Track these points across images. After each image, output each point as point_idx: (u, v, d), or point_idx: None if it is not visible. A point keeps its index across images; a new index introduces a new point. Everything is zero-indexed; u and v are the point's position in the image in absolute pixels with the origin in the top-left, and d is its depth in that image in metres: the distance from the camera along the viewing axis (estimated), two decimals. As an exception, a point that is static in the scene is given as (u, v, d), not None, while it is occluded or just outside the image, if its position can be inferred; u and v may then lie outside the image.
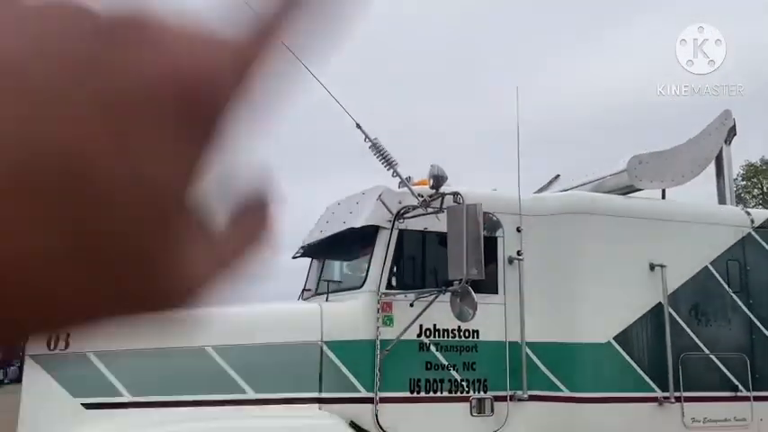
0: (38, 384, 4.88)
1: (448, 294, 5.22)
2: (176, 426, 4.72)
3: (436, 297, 5.18)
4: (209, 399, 5.05)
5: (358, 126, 5.35)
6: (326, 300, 5.77)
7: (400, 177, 5.45)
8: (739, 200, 25.59)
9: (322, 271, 6.56)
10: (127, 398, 4.92)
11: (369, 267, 5.55)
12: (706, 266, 6.23)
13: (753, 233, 6.49)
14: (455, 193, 5.13)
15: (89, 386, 4.91)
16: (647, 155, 6.32)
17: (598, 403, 5.64)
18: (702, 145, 6.61)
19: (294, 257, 7.33)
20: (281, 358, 5.28)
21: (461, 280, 4.95)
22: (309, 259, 7.39)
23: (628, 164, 6.26)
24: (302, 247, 6.84)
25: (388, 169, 5.44)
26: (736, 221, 6.52)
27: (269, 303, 5.91)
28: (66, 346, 4.87)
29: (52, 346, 4.87)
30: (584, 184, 6.72)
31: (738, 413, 6.02)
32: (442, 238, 5.53)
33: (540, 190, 7.87)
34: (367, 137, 5.37)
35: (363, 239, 5.73)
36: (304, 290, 7.13)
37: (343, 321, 5.39)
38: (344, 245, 6.10)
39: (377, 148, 5.37)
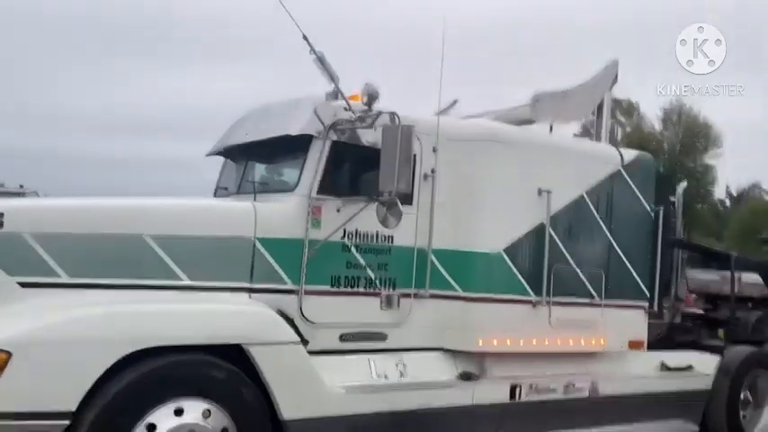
0: None
1: (373, 203, 5.86)
2: (111, 306, 5.00)
3: (366, 205, 5.76)
4: (144, 283, 5.36)
5: (305, 38, 5.65)
6: (255, 200, 6.15)
7: (342, 95, 5.85)
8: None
9: (244, 172, 6.88)
10: (64, 279, 5.12)
11: (301, 173, 5.99)
12: (582, 195, 7.29)
13: (621, 170, 7.64)
14: (392, 113, 5.64)
15: (26, 266, 5.05)
16: (546, 93, 7.16)
17: (485, 303, 6.61)
18: (592, 89, 7.57)
19: (208, 155, 7.56)
20: (216, 251, 5.67)
21: (390, 192, 5.57)
22: (223, 158, 7.66)
23: (531, 100, 7.07)
24: (224, 148, 7.08)
25: (330, 83, 5.83)
26: (610, 159, 7.63)
27: (203, 199, 6.23)
28: (1, 226, 4.97)
29: None
30: (488, 113, 7.47)
31: (591, 317, 7.30)
32: (369, 153, 6.10)
33: (440, 113, 8.54)
34: (312, 50, 5.70)
35: (293, 146, 6.14)
36: (219, 188, 7.44)
37: (275, 221, 5.85)
38: (273, 150, 6.46)
39: (321, 62, 5.72)
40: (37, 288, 5.06)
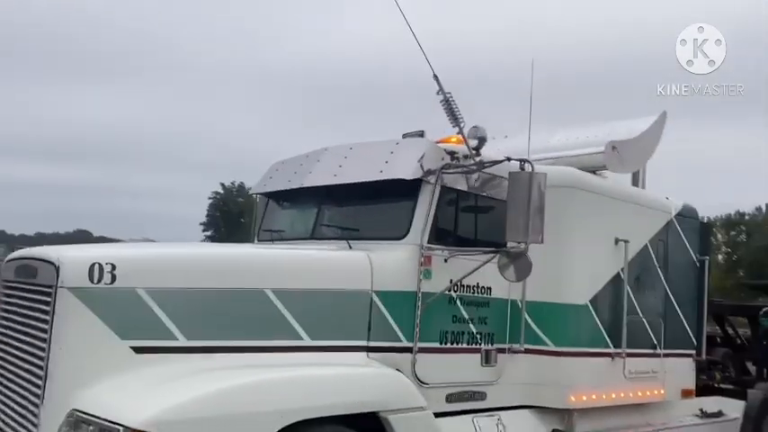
0: (78, 323, 4.16)
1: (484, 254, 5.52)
2: (250, 376, 4.36)
3: (492, 258, 5.39)
4: (267, 345, 4.74)
5: (435, 77, 5.28)
6: (350, 247, 5.63)
7: (464, 139, 5.50)
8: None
9: (318, 216, 6.31)
10: (182, 342, 4.42)
11: (411, 220, 5.54)
12: (646, 244, 7.32)
13: (673, 219, 7.76)
14: (523, 160, 5.35)
15: (140, 328, 4.31)
16: (618, 142, 7.16)
17: (574, 357, 6.40)
18: (652, 137, 7.66)
19: (259, 194, 6.95)
20: (335, 306, 5.12)
21: (519, 243, 5.25)
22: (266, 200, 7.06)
23: (605, 148, 7.03)
24: (285, 189, 6.46)
25: (453, 126, 5.46)
26: (664, 208, 7.73)
27: (315, 248, 5.62)
28: (113, 279, 4.23)
29: (96, 279, 4.19)
30: (559, 157, 7.32)
31: (655, 367, 7.28)
32: (481, 201, 5.82)
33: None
34: (441, 90, 5.33)
35: (396, 191, 5.68)
36: (265, 231, 6.79)
37: (389, 271, 5.36)
38: (366, 193, 5.95)
39: (448, 104, 5.36)
40: (151, 353, 4.31)
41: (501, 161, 5.54)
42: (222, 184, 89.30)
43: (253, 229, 7.58)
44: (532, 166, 5.28)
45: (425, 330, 5.46)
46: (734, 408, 8.73)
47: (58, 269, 4.18)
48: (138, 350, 4.27)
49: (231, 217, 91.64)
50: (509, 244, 5.33)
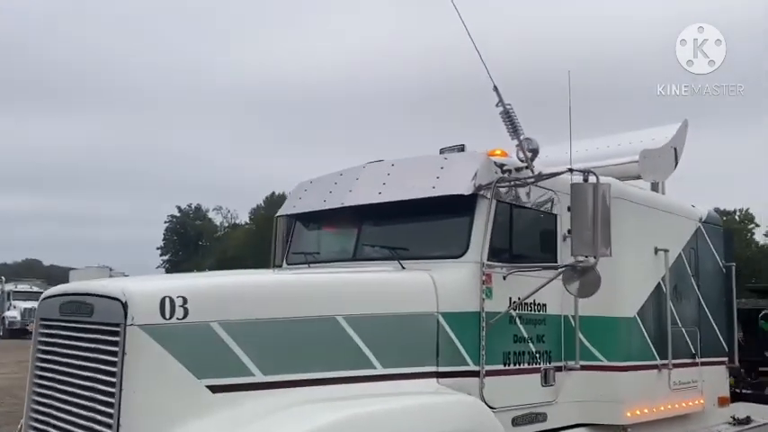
0: (150, 363, 3.79)
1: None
2: (336, 412, 4.06)
3: (559, 274, 5.19)
4: (342, 375, 4.45)
5: (495, 89, 5.10)
6: (402, 267, 5.38)
7: (523, 150, 5.32)
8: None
9: (359, 236, 6.04)
10: (259, 377, 4.09)
11: (470, 237, 5.32)
12: (680, 253, 7.25)
13: (701, 227, 7.73)
14: (587, 171, 5.18)
15: (216, 365, 3.97)
16: (650, 151, 7.10)
17: (627, 372, 6.24)
18: (677, 146, 7.64)
19: (290, 215, 6.66)
20: (403, 329, 4.86)
21: (587, 256, 5.07)
22: (293, 221, 6.78)
23: (639, 156, 6.96)
24: (329, 210, 6.17)
25: (513, 139, 5.28)
26: (692, 215, 7.69)
27: (377, 271, 5.32)
28: (186, 314, 3.89)
29: (168, 315, 3.84)
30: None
31: (694, 376, 7.19)
32: (535, 214, 5.66)
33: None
34: (501, 101, 5.15)
35: (451, 207, 5.46)
36: (301, 253, 6.48)
37: (452, 292, 5.12)
38: (415, 211, 5.70)
39: (508, 115, 5.18)
40: (229, 392, 3.96)
41: (562, 172, 5.37)
42: (179, 207, 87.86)
43: (273, 251, 7.26)
44: (597, 177, 5.12)
45: (490, 352, 5.23)
46: (760, 413, 8.74)
47: (125, 305, 3.81)
48: (214, 389, 3.93)
49: (189, 240, 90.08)
50: (576, 258, 5.15)
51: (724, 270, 8.15)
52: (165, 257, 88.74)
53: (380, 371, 4.63)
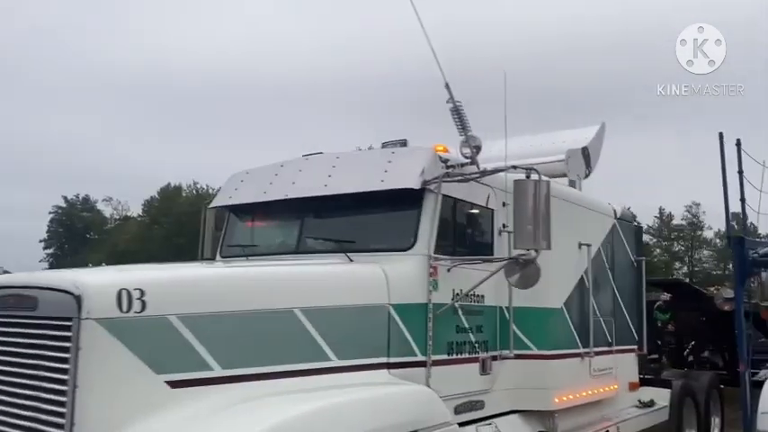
0: (106, 358, 3.62)
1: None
2: (289, 407, 4.02)
3: (504, 266, 5.36)
4: (299, 368, 4.42)
5: (447, 86, 5.19)
6: (350, 260, 5.40)
7: (470, 147, 5.45)
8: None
9: (302, 229, 5.99)
10: (218, 372, 4.00)
11: (417, 230, 5.41)
12: (599, 247, 7.69)
13: (616, 223, 8.22)
14: (530, 168, 5.38)
15: (175, 360, 3.84)
16: (572, 150, 7.47)
17: (555, 360, 6.56)
18: (597, 146, 8.07)
19: (221, 207, 6.51)
20: (356, 321, 4.88)
21: (529, 250, 5.28)
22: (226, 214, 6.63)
23: (566, 156, 7.30)
24: (258, 201, 6.07)
25: (461, 135, 5.40)
26: (609, 212, 8.16)
27: (327, 263, 5.27)
28: (143, 307, 3.76)
29: (125, 308, 3.70)
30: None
31: (610, 363, 7.65)
32: (477, 209, 5.83)
33: None
34: (451, 99, 5.25)
35: (399, 200, 5.53)
36: (238, 246, 6.36)
37: (402, 284, 5.20)
38: (359, 204, 5.72)
39: (458, 113, 5.29)
40: (188, 387, 3.84)
41: (505, 169, 5.56)
42: (65, 198, 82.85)
43: (202, 244, 7.08)
44: (539, 175, 5.34)
45: (435, 342, 5.35)
46: (661, 396, 9.40)
47: (79, 298, 3.60)
48: (173, 384, 3.79)
49: (76, 232, 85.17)
50: (517, 251, 5.35)
51: (635, 264, 8.71)
52: (50, 251, 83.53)
53: (336, 363, 4.64)
